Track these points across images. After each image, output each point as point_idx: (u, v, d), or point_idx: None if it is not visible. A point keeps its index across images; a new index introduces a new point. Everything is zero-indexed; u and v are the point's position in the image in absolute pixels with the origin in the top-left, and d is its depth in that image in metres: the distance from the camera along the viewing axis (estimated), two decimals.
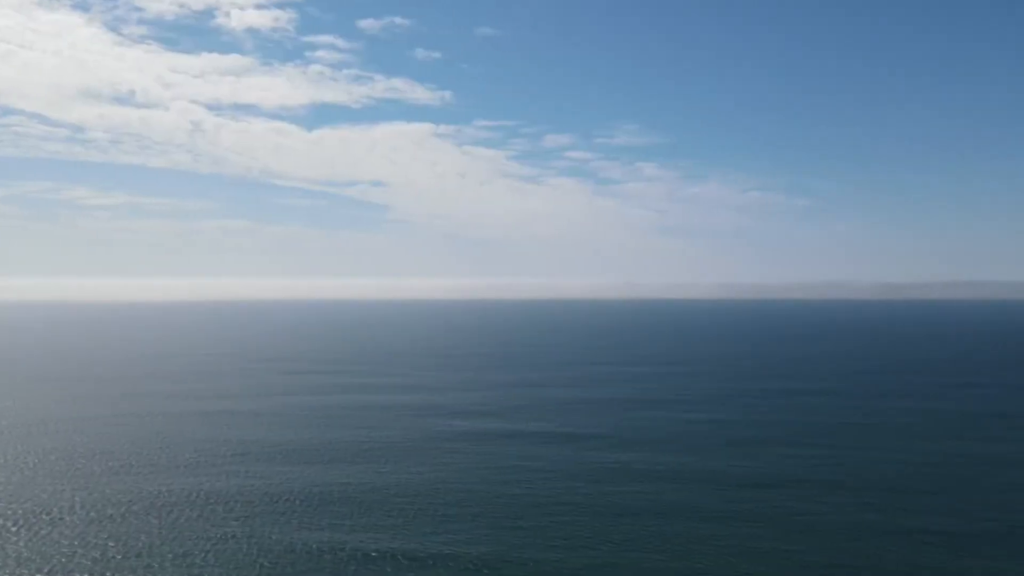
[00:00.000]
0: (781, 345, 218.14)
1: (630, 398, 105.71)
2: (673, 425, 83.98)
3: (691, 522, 48.75)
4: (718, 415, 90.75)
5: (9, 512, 50.58)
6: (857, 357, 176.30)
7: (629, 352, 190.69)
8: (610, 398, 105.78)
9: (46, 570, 40.26)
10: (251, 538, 45.56)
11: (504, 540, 45.38)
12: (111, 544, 44.37)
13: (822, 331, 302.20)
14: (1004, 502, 53.22)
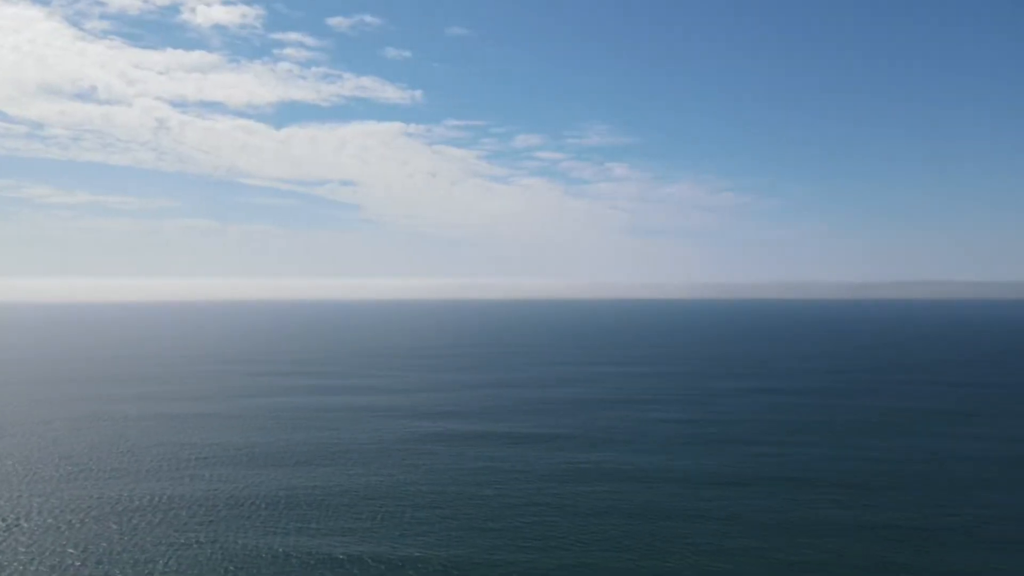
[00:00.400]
0: (748, 344, 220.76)
1: (600, 398, 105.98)
2: (642, 425, 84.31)
3: (660, 521, 48.85)
4: (686, 414, 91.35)
5: None
6: (822, 356, 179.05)
7: (599, 352, 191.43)
8: (580, 398, 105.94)
9: None
10: (215, 543, 44.59)
11: (475, 542, 45.02)
12: (70, 551, 43.10)
13: (789, 330, 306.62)
14: (964, 498, 54.23)
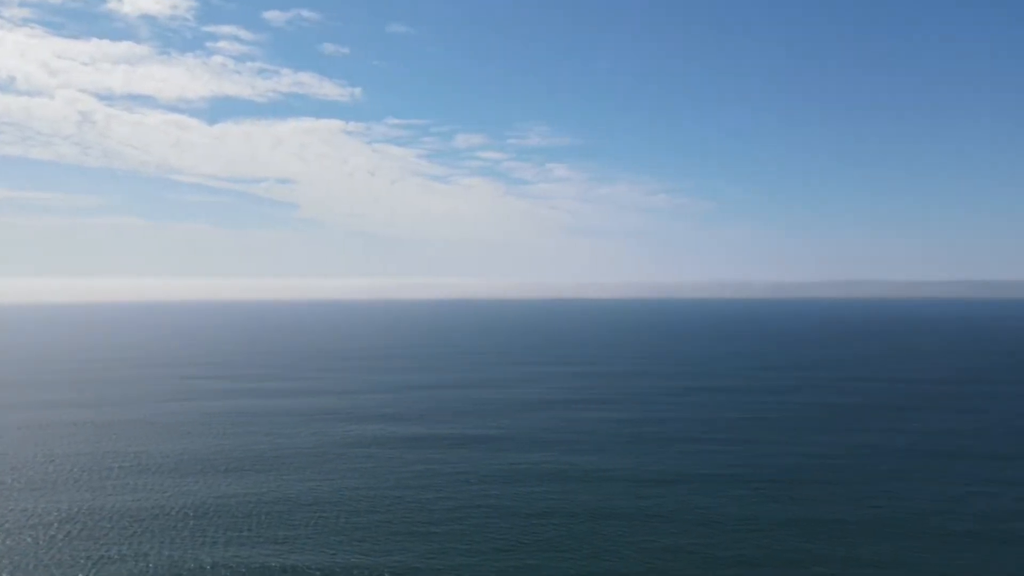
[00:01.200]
0: (685, 343, 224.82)
1: (541, 398, 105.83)
2: (582, 424, 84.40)
3: (601, 521, 48.63)
4: (626, 414, 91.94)
5: None
6: (757, 354, 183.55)
7: (539, 352, 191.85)
8: (521, 399, 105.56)
9: None
10: (139, 557, 42.20)
11: (416, 548, 43.86)
12: None
13: (724, 329, 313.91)
14: (889, 490, 55.83)
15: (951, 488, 56.47)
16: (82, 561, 41.52)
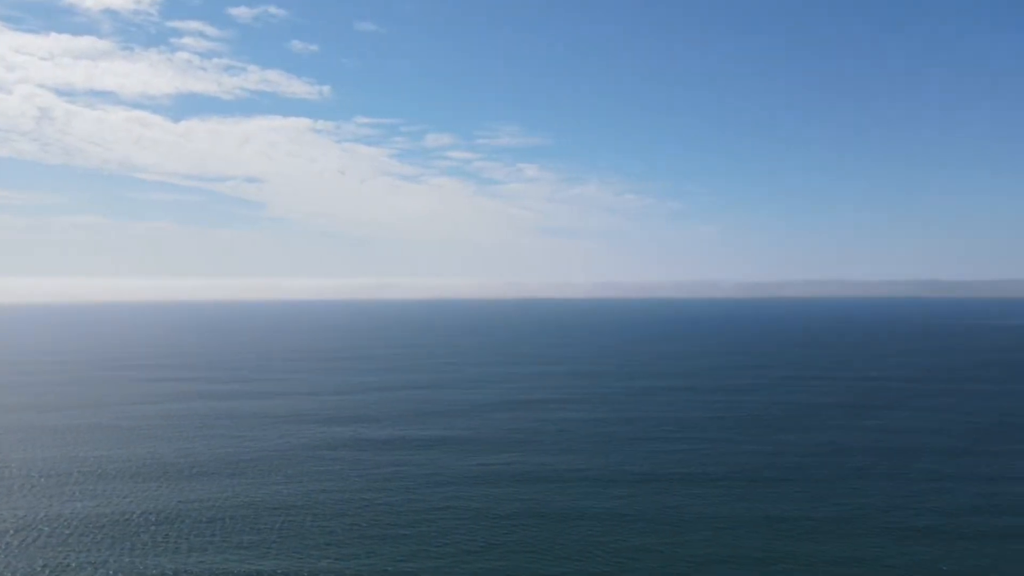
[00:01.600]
0: (653, 343, 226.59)
1: (510, 399, 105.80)
2: (551, 425, 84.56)
3: (571, 522, 48.73)
4: (595, 414, 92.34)
5: None
6: (723, 353, 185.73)
7: (509, 352, 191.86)
8: (490, 399, 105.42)
9: None
10: (98, 565, 41.21)
11: (385, 551, 43.50)
12: None
13: (689, 329, 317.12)
14: (853, 487, 56.84)
15: (912, 485, 57.67)
16: (39, 570, 40.43)
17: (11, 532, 46.87)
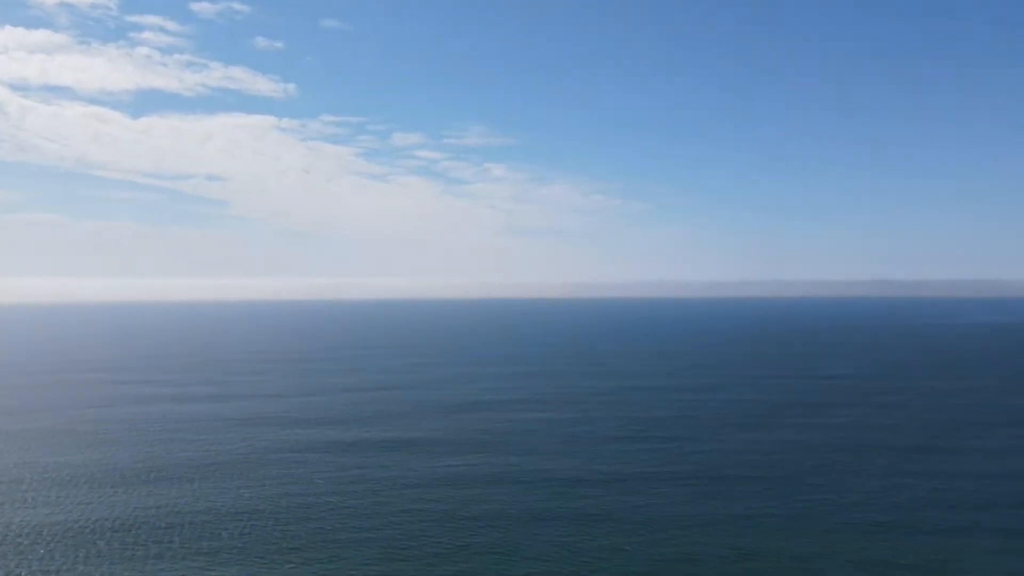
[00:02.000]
0: (619, 343, 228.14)
1: (476, 400, 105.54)
2: (518, 426, 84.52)
3: (538, 523, 48.67)
4: (561, 414, 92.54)
5: None
6: (689, 353, 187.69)
7: (474, 353, 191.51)
8: (457, 400, 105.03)
9: None
10: (50, 575, 39.97)
11: (351, 556, 42.94)
12: None
13: (652, 329, 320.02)
14: (813, 484, 57.78)
15: (870, 481, 58.80)
16: None
17: None
